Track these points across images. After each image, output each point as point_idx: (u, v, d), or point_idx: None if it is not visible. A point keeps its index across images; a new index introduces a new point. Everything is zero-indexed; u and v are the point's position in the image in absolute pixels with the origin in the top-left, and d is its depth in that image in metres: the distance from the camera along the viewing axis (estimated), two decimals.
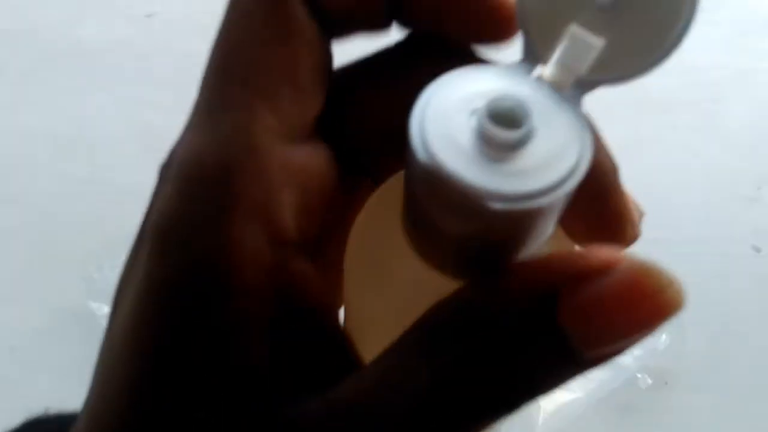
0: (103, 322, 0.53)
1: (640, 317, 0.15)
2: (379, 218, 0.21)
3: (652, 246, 0.61)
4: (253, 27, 0.19)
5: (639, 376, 0.51)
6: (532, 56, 0.18)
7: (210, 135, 0.18)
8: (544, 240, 0.19)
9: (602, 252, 0.16)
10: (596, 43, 0.17)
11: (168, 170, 0.19)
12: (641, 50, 0.17)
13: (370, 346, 0.22)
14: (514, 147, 0.16)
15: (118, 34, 0.73)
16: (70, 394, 0.49)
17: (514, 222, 0.16)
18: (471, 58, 0.20)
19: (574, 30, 0.17)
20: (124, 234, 0.56)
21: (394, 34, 0.21)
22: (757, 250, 0.59)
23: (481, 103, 0.16)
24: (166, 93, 0.68)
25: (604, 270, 0.15)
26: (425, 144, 0.16)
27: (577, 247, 0.22)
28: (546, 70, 0.17)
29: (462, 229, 0.17)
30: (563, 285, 0.15)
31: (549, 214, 0.17)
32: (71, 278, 0.55)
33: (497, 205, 0.15)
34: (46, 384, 0.50)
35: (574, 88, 0.17)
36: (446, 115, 0.16)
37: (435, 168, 0.15)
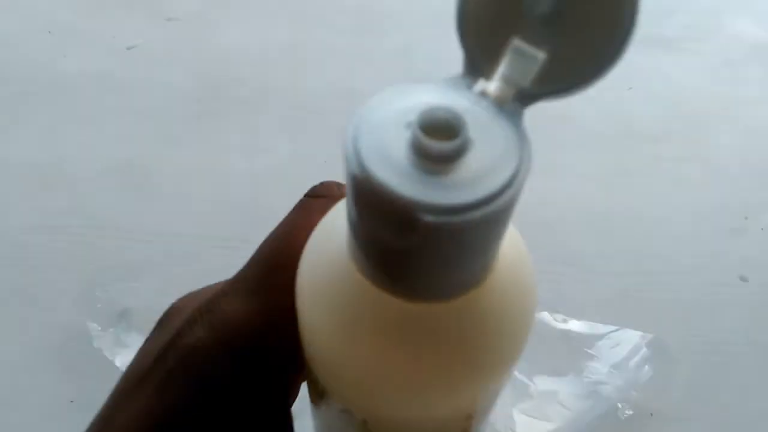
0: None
1: None
2: (328, 241, 0.21)
3: (639, 276, 0.61)
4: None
5: (620, 406, 0.50)
6: (473, 70, 0.18)
7: (256, 307, 0.23)
8: (493, 255, 0.19)
9: None
10: (538, 56, 0.17)
11: (204, 316, 0.23)
12: (582, 62, 0.17)
13: (323, 366, 0.23)
14: (449, 159, 0.16)
15: (98, 66, 0.73)
16: (61, 412, 0.48)
17: (451, 236, 0.16)
18: None
19: (516, 43, 0.17)
20: (102, 269, 0.55)
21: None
22: (744, 280, 0.58)
23: (415, 116, 0.16)
24: (148, 126, 0.68)
25: None
26: (358, 157, 0.16)
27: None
28: (489, 85, 0.17)
29: (400, 245, 0.17)
30: None
31: (488, 228, 0.17)
32: (48, 311, 0.54)
33: (429, 218, 0.15)
34: (37, 409, 0.49)
35: (515, 101, 0.17)
36: (381, 128, 0.16)
37: (367, 180, 0.15)
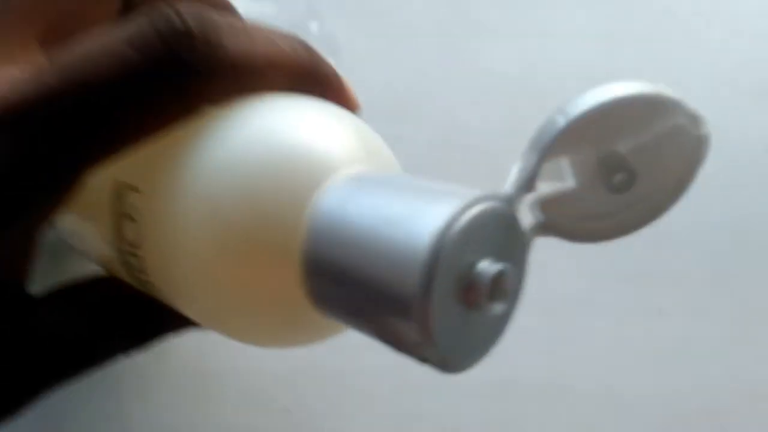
0: None
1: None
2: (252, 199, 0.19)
3: None
4: None
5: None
6: (525, 187, 0.17)
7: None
8: None
9: None
10: (568, 181, 0.16)
11: None
12: (605, 222, 0.17)
13: (184, 273, 0.20)
14: (486, 314, 0.15)
15: None
16: None
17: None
18: None
19: (563, 163, 0.17)
20: None
21: None
22: None
23: (487, 265, 0.15)
24: None
25: None
26: (428, 284, 0.14)
27: None
28: (511, 177, 0.16)
29: (388, 342, 0.17)
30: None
31: None
32: None
33: (439, 369, 0.16)
34: None
35: (532, 229, 0.17)
36: (450, 260, 0.15)
37: (419, 310, 0.14)
